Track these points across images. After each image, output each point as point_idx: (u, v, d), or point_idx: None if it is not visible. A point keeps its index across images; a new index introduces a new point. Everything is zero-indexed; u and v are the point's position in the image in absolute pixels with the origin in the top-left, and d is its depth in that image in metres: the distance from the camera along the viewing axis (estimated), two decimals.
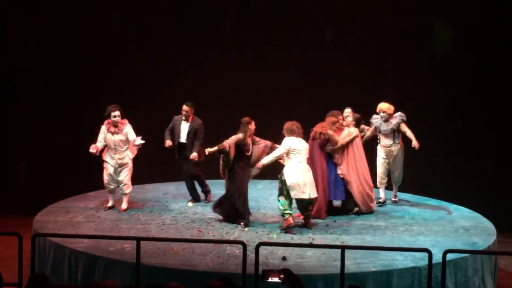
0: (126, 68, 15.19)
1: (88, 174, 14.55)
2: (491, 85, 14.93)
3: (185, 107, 12.21)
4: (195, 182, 12.58)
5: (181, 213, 11.93)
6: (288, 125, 11.18)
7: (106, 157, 11.98)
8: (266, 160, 11.06)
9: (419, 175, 13.54)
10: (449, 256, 8.69)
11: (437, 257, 8.64)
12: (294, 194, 10.96)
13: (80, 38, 15.30)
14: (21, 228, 9.53)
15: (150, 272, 8.92)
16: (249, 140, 11.20)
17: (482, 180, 14.72)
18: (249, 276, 8.00)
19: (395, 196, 12.81)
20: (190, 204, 12.40)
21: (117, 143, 11.89)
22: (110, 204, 12.07)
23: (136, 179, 13.02)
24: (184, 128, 12.24)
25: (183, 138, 12.25)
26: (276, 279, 6.19)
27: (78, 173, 14.89)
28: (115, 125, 11.87)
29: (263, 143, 11.31)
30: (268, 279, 6.25)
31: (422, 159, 13.07)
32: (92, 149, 11.82)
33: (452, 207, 12.92)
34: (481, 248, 10.40)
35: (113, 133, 11.89)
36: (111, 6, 15.44)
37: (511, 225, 13.78)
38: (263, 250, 9.17)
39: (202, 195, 12.67)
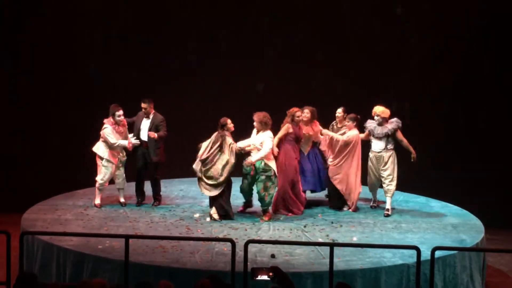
0: (122, 66, 15.20)
1: (76, 172, 14.52)
2: (479, 84, 14.98)
3: (142, 104, 12.03)
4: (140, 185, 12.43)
5: (170, 211, 11.92)
6: (260, 117, 11.36)
7: (105, 155, 11.89)
8: (259, 155, 11.24)
9: (408, 173, 13.53)
10: (438, 253, 8.71)
11: (426, 254, 8.64)
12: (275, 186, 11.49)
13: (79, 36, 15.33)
14: (9, 226, 9.51)
15: (138, 270, 8.90)
16: None
17: (470, 177, 14.74)
18: (238, 274, 8.01)
19: (388, 209, 11.92)
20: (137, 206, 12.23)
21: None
22: (99, 201, 12.06)
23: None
24: (145, 124, 12.05)
25: (143, 135, 12.07)
26: (265, 277, 6.20)
27: (67, 170, 14.86)
28: (119, 124, 11.87)
29: None
30: (257, 277, 6.25)
31: (410, 157, 13.03)
32: (133, 142, 11.94)
33: (441, 204, 12.95)
34: (469, 245, 10.43)
35: (121, 133, 11.92)
36: (110, 4, 15.45)
37: (499, 222, 13.83)
38: (252, 247, 9.16)
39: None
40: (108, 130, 11.83)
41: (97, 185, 12.02)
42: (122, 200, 12.22)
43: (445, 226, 11.40)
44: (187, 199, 12.64)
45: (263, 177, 11.35)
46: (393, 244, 10.14)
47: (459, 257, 9.96)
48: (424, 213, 12.20)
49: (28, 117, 15.22)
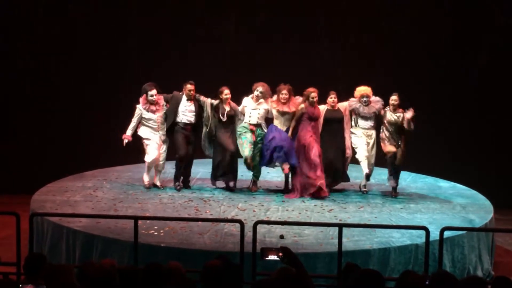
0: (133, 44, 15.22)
1: (86, 153, 14.55)
2: (483, 64, 14.93)
3: (189, 86, 11.80)
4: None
5: (178, 192, 11.93)
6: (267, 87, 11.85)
7: (147, 135, 11.87)
8: None
9: (416, 153, 13.52)
10: (446, 234, 8.70)
11: (434, 235, 8.65)
12: None
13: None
14: (19, 208, 9.55)
15: (147, 250, 8.93)
16: None
17: (479, 157, 14.72)
18: (247, 255, 8.03)
19: (365, 186, 12.11)
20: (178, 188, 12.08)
21: (159, 119, 11.86)
22: (147, 179, 12.08)
23: (133, 158, 13.07)
24: (189, 107, 11.83)
25: (188, 119, 11.86)
26: (274, 257, 6.21)
27: (76, 152, 14.88)
28: (152, 103, 11.81)
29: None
30: (267, 257, 6.26)
31: (419, 137, 13.02)
32: (125, 139, 11.84)
33: (449, 184, 12.95)
34: (478, 226, 10.43)
35: (154, 112, 11.84)
36: None
37: (508, 202, 13.81)
38: (260, 228, 9.16)
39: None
40: (136, 111, 11.84)
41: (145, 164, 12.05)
42: (157, 183, 12.11)
43: (453, 206, 11.40)
44: (196, 180, 12.63)
45: (260, 145, 11.73)
46: (401, 225, 10.15)
47: (467, 237, 9.95)
48: (433, 194, 12.20)
49: (38, 98, 15.23)
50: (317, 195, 11.54)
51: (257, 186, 12.15)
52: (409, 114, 11.50)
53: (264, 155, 11.66)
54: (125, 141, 11.87)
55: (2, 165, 15.20)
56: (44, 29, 15.23)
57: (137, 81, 12.42)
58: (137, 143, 12.10)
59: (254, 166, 11.89)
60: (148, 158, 11.92)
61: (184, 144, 11.89)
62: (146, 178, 12.09)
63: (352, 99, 11.88)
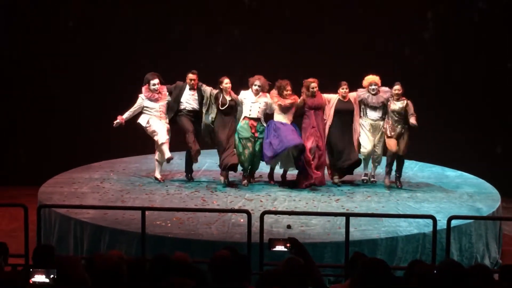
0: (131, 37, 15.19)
1: (92, 145, 14.56)
2: (491, 52, 14.87)
3: (192, 75, 11.73)
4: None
5: (185, 182, 11.94)
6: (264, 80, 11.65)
7: (155, 127, 11.67)
8: None
9: (423, 142, 13.51)
10: (454, 222, 8.70)
11: (442, 223, 8.66)
12: None
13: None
14: (27, 200, 9.58)
15: (155, 241, 8.95)
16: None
17: (486, 145, 14.69)
18: (254, 245, 8.04)
19: (374, 176, 12.11)
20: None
21: (162, 108, 11.77)
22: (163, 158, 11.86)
23: (139, 149, 13.05)
24: (193, 97, 11.76)
25: (192, 106, 11.76)
26: (282, 248, 6.22)
27: (83, 143, 14.89)
28: (155, 92, 11.72)
29: None
30: (274, 247, 6.27)
31: (426, 126, 12.99)
32: (118, 120, 11.69)
33: (456, 173, 12.93)
34: (485, 214, 10.42)
35: (156, 101, 11.76)
36: None
37: None
38: (267, 218, 9.18)
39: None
40: (138, 100, 11.74)
41: (156, 156, 11.90)
42: (158, 176, 11.96)
43: (461, 195, 11.39)
44: (203, 171, 12.64)
45: (260, 140, 11.55)
46: (409, 214, 10.15)
47: (475, 226, 9.96)
48: (440, 182, 12.19)
49: (43, 90, 15.24)
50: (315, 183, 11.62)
51: (249, 180, 11.82)
52: (412, 120, 11.44)
53: (264, 152, 11.54)
54: (117, 121, 11.71)
55: (9, 158, 15.24)
56: (44, 29, 15.22)
57: (143, 71, 12.37)
58: (138, 134, 12.09)
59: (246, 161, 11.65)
60: (159, 136, 11.61)
61: (190, 122, 11.76)
62: (156, 156, 11.92)
63: (360, 89, 11.85)
